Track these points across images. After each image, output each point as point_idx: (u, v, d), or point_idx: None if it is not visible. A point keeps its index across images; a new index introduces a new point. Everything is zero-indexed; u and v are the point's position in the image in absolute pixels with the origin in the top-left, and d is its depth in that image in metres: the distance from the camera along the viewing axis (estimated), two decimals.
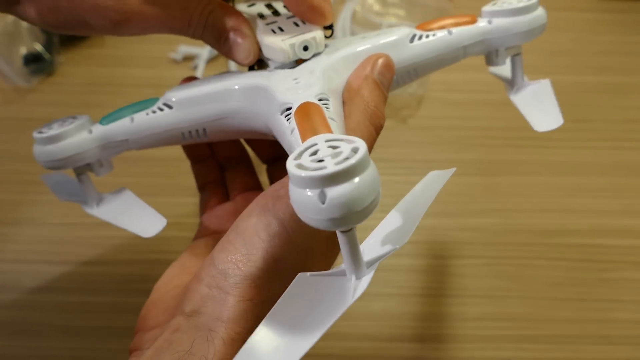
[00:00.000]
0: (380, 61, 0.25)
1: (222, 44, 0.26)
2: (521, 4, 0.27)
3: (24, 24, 0.55)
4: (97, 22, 0.24)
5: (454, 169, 0.23)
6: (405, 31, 0.27)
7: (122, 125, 0.27)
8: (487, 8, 0.28)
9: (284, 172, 0.32)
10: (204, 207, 0.33)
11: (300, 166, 0.16)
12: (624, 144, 0.50)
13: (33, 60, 0.53)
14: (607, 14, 0.61)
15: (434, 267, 0.42)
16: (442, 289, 0.41)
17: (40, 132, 0.26)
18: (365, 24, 0.58)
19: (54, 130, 0.26)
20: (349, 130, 0.23)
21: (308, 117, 0.20)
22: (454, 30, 0.27)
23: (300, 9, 0.25)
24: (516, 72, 0.30)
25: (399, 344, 0.39)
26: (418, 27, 0.28)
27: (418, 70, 0.28)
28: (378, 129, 0.24)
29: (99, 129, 0.27)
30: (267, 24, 0.26)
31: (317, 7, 0.25)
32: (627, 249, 0.43)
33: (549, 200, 0.46)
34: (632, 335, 0.39)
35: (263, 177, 0.35)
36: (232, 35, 0.26)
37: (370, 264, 0.18)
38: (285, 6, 0.26)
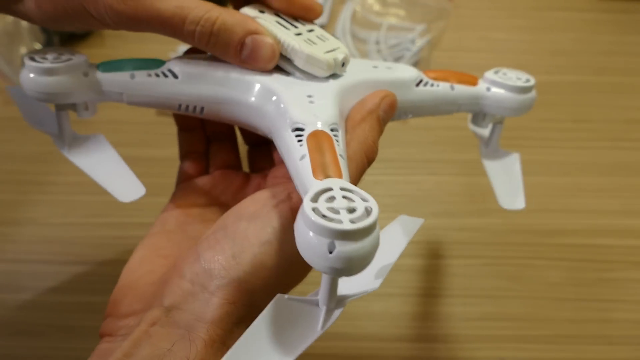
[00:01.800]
0: (387, 100, 0.26)
1: (238, 52, 0.25)
2: (520, 84, 0.30)
3: (24, 23, 0.55)
4: (99, 11, 0.23)
5: (423, 220, 0.24)
6: (414, 74, 0.29)
7: (121, 79, 0.26)
8: (489, 75, 0.30)
9: (264, 157, 0.33)
10: (181, 176, 0.32)
11: (316, 210, 0.17)
12: (624, 144, 0.50)
13: None
14: (607, 14, 0.61)
15: (434, 267, 0.42)
16: (442, 289, 0.41)
17: (33, 59, 0.25)
18: (365, 24, 0.58)
19: (49, 62, 0.25)
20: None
21: (321, 150, 0.21)
22: (456, 86, 0.30)
23: (292, 9, 0.26)
24: (493, 137, 0.33)
25: (399, 344, 0.39)
26: (425, 72, 0.29)
27: (414, 112, 0.30)
28: (370, 162, 0.25)
29: (95, 75, 0.26)
30: (297, 35, 0.26)
31: (308, 6, 0.26)
32: (627, 249, 0.43)
33: (549, 200, 0.46)
34: (632, 335, 0.39)
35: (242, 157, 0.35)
36: (251, 39, 0.24)
37: (342, 299, 0.20)
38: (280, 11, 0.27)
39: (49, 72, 0.25)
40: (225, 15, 0.24)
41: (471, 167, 0.48)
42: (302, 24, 0.27)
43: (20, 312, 0.40)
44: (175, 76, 0.25)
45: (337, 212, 0.17)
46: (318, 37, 0.26)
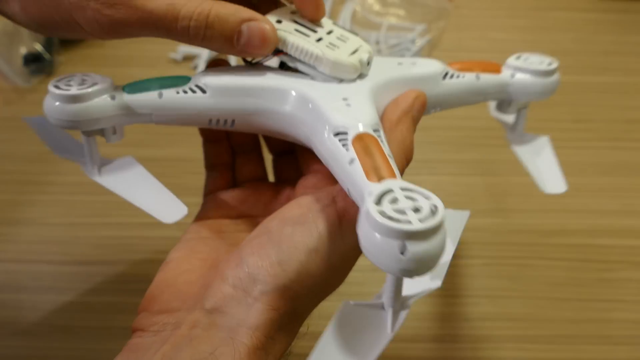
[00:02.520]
0: (419, 99, 0.27)
1: (234, 42, 0.24)
2: (543, 67, 0.30)
3: None
4: (87, 19, 0.22)
5: (469, 212, 0.24)
6: (440, 67, 0.29)
7: (149, 99, 0.25)
8: (512, 61, 0.31)
9: (290, 166, 0.32)
10: (209, 188, 0.32)
11: (383, 213, 0.17)
12: (624, 144, 0.50)
13: (33, 61, 0.53)
14: (607, 14, 0.61)
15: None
16: (442, 289, 0.41)
17: (58, 87, 0.24)
18: (365, 24, 0.58)
19: (74, 89, 0.24)
20: None
21: (369, 152, 0.21)
22: (482, 76, 0.30)
23: (308, 7, 0.26)
24: (519, 122, 0.33)
25: (398, 344, 0.39)
26: (449, 64, 0.29)
27: (442, 105, 0.29)
28: (409, 162, 0.26)
29: (122, 97, 0.25)
30: (317, 41, 0.25)
31: (320, 4, 0.26)
32: (627, 249, 0.43)
33: (549, 200, 0.46)
34: (632, 335, 0.39)
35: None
36: (246, 26, 0.24)
37: (406, 300, 0.20)
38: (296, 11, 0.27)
39: (75, 99, 0.24)
40: (217, 7, 0.23)
41: (471, 167, 0.48)
42: (321, 27, 0.26)
43: (20, 312, 0.40)
44: (203, 91, 0.25)
45: (403, 212, 0.17)
46: (339, 39, 0.26)
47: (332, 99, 0.24)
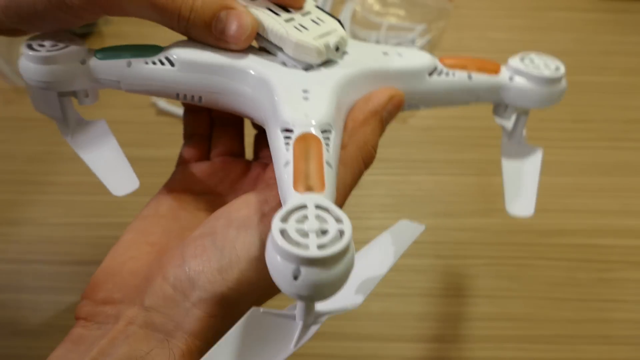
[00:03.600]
0: (394, 100, 0.25)
1: (212, 28, 0.23)
2: (548, 74, 0.27)
3: None
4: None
5: (424, 226, 0.23)
6: (427, 62, 0.26)
7: (117, 67, 0.25)
8: (513, 62, 0.27)
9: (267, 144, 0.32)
10: (180, 158, 0.31)
11: (284, 232, 0.16)
12: (624, 144, 0.50)
13: None
14: (607, 14, 0.61)
15: (434, 267, 0.42)
16: (442, 289, 0.41)
17: (31, 47, 0.24)
18: (365, 24, 0.58)
19: (45, 50, 0.24)
20: (341, 161, 0.23)
21: (307, 157, 0.20)
22: (475, 75, 0.27)
23: None
24: (517, 129, 0.30)
25: (399, 344, 0.39)
26: (442, 59, 0.27)
27: (426, 104, 0.27)
28: (368, 166, 0.24)
29: (92, 62, 0.25)
30: (287, 21, 0.24)
31: None
32: (627, 249, 0.43)
33: (549, 200, 0.46)
34: (632, 336, 0.39)
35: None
36: (225, 13, 0.23)
37: (319, 315, 0.19)
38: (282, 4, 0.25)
39: (46, 60, 0.24)
40: None
41: (471, 167, 0.48)
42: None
43: (20, 312, 0.40)
44: (172, 64, 0.24)
45: (306, 235, 0.16)
46: (313, 20, 0.25)
47: (291, 88, 0.23)
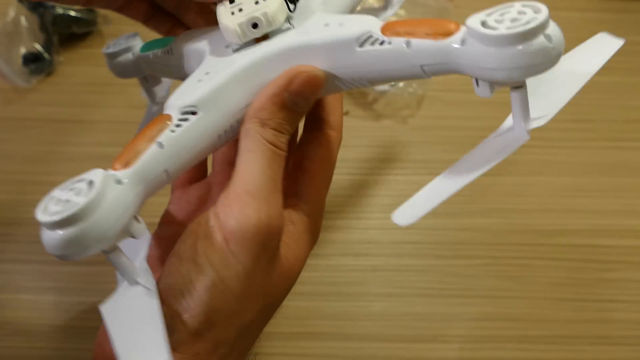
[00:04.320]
0: (298, 79, 0.22)
1: None
2: (512, 30, 0.18)
3: (24, 23, 0.55)
4: None
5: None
6: (358, 31, 0.21)
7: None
8: (472, 21, 0.20)
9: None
10: (178, 180, 0.31)
11: (45, 210, 0.21)
12: (625, 144, 0.50)
13: (32, 60, 0.53)
14: (607, 14, 0.61)
15: (434, 267, 0.42)
16: (443, 289, 0.41)
17: (107, 48, 0.31)
18: None
19: (112, 47, 0.31)
20: (245, 147, 0.22)
21: (141, 135, 0.21)
22: (414, 42, 0.20)
23: None
24: (515, 110, 0.23)
25: (399, 344, 0.39)
26: (383, 27, 0.21)
27: (362, 81, 0.23)
28: (280, 149, 0.22)
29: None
30: (231, 6, 0.23)
31: None
32: (627, 249, 0.43)
33: (549, 200, 0.46)
34: (632, 336, 0.39)
35: None
36: None
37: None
38: None
39: (113, 55, 0.31)
40: None
41: None
42: None
43: (20, 312, 0.40)
44: (171, 53, 0.28)
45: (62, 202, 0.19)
46: (257, 2, 0.23)
47: (199, 71, 0.23)
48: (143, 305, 0.21)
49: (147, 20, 0.32)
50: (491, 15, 0.20)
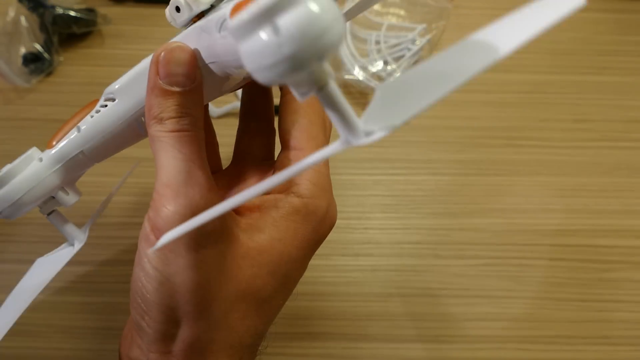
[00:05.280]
0: (161, 61, 0.21)
1: None
2: (233, 21, 0.13)
3: (24, 23, 0.55)
4: None
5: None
6: (221, 13, 0.20)
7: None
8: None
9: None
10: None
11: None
12: (625, 143, 0.50)
13: (32, 60, 0.53)
14: (607, 14, 0.61)
15: (434, 267, 0.42)
16: (443, 289, 0.41)
17: None
18: (365, 24, 0.58)
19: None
20: (156, 178, 0.21)
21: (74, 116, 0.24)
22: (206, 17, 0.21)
23: None
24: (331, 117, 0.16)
25: (398, 344, 0.38)
26: (233, 9, 0.17)
27: (232, 67, 0.21)
28: (158, 122, 0.21)
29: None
30: None
31: None
32: (628, 249, 0.43)
33: (549, 200, 0.46)
34: (632, 336, 0.39)
35: None
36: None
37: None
38: None
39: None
40: None
41: (471, 167, 0.48)
42: None
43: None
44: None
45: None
46: None
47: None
48: (57, 257, 0.28)
49: None
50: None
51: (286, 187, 0.24)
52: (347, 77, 0.52)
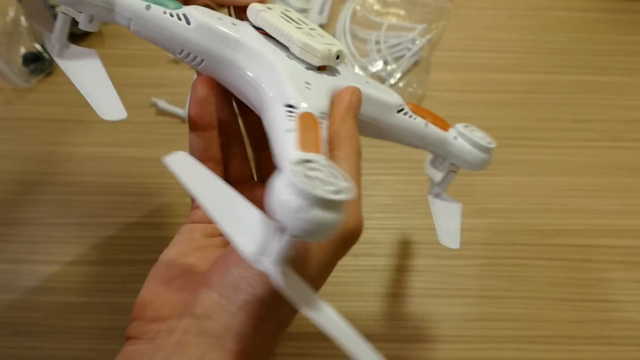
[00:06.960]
0: (356, 94, 0.26)
1: None
2: (483, 142, 0.32)
3: (24, 23, 0.55)
4: None
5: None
6: (398, 101, 0.30)
7: (136, 5, 0.26)
8: (460, 127, 0.33)
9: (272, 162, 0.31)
10: None
11: (297, 173, 0.17)
12: (625, 143, 0.50)
13: (32, 60, 0.53)
14: (607, 14, 0.61)
15: (434, 267, 0.42)
16: (442, 289, 0.41)
17: None
18: (365, 24, 0.58)
19: None
20: (340, 157, 0.24)
21: (309, 129, 0.22)
22: (430, 125, 0.31)
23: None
24: (445, 182, 0.35)
25: (399, 344, 0.39)
26: (407, 104, 0.31)
27: (386, 136, 0.31)
28: (360, 158, 0.26)
29: None
30: (297, 27, 0.27)
31: None
32: (627, 249, 0.43)
33: (549, 200, 0.46)
34: (632, 336, 0.39)
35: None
36: None
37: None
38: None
39: None
40: None
41: None
42: (305, 24, 0.28)
43: (20, 312, 0.40)
44: (188, 22, 0.26)
45: (314, 179, 0.17)
46: (319, 35, 0.28)
47: (296, 77, 0.25)
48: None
49: None
50: (467, 128, 0.33)
51: None
52: None
